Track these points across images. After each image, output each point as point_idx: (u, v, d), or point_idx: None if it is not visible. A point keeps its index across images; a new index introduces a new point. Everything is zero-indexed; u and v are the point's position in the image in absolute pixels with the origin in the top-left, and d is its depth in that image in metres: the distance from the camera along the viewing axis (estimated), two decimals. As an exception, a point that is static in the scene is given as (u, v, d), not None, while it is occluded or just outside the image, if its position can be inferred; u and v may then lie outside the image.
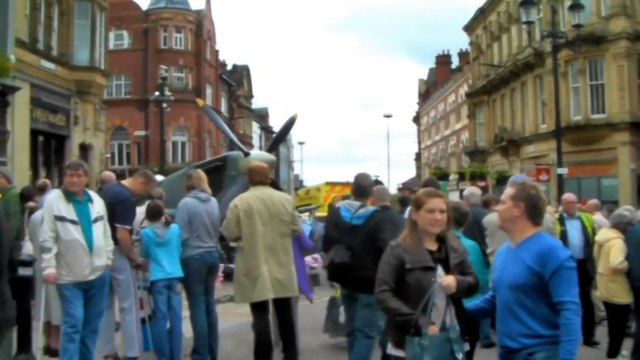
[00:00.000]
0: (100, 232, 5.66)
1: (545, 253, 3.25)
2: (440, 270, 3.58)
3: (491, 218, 6.67)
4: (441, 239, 3.71)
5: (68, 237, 5.45)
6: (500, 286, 3.42)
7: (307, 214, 18.94)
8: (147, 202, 6.81)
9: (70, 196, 5.57)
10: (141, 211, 6.68)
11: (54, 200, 5.59)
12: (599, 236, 7.47)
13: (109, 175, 7.96)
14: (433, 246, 3.68)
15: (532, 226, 3.40)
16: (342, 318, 7.28)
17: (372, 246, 5.40)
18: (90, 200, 5.68)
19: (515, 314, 3.29)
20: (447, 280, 3.52)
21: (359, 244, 5.59)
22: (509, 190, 3.46)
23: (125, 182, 6.71)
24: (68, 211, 5.51)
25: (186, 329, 6.83)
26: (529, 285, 3.25)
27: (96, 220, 5.63)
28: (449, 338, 3.46)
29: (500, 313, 3.42)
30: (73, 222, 5.49)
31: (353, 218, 5.73)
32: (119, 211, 6.11)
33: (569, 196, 9.03)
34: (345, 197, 15.38)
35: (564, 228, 8.33)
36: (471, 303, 3.78)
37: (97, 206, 5.73)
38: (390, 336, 3.73)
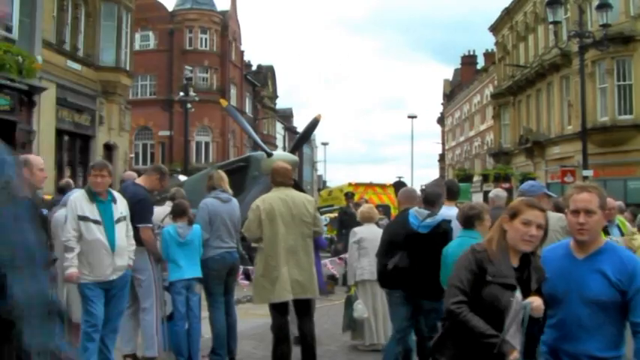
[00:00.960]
0: (123, 232, 5.70)
1: (632, 267, 2.99)
2: (518, 292, 3.05)
3: None
4: (524, 256, 3.16)
5: (91, 237, 5.49)
6: (571, 301, 3.08)
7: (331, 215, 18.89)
8: (168, 203, 6.82)
9: (93, 196, 5.62)
10: (159, 211, 6.68)
11: (77, 200, 5.63)
12: (627, 241, 7.29)
13: (130, 174, 8.00)
14: (515, 262, 3.15)
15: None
16: (355, 314, 7.30)
17: (434, 255, 5.37)
18: (113, 200, 5.72)
19: (587, 333, 3.03)
20: (537, 302, 3.02)
21: (423, 252, 5.58)
22: (591, 198, 3.05)
23: (139, 180, 6.69)
24: (91, 211, 5.55)
25: (205, 330, 6.84)
26: (611, 302, 2.99)
27: (118, 220, 5.67)
28: None
29: (565, 330, 3.12)
30: (95, 222, 5.53)
31: (420, 226, 5.71)
32: (138, 211, 6.10)
33: (609, 201, 8.32)
34: (347, 194, 15.44)
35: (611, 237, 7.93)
36: None
37: (120, 206, 5.76)
38: (443, 355, 3.21)
